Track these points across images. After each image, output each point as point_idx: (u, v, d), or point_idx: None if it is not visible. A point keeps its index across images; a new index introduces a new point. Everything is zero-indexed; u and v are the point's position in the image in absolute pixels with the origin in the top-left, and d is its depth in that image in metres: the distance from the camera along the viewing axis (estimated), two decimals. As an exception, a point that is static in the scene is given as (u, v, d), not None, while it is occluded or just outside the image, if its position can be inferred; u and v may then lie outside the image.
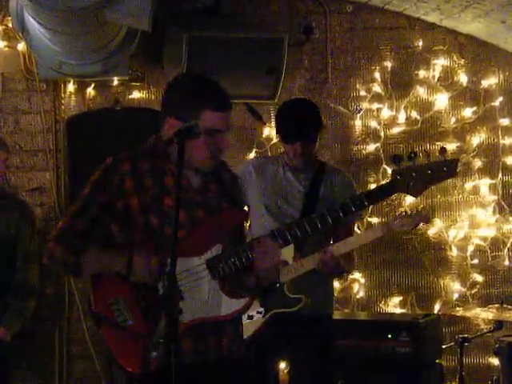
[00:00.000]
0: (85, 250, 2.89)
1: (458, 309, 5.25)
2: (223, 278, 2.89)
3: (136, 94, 5.51)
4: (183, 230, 2.83)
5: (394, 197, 5.66)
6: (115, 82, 5.43)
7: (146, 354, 2.74)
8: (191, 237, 2.87)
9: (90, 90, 5.46)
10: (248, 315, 3.77)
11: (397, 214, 3.88)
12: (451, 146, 5.67)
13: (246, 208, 3.80)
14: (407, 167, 2.98)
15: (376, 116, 5.70)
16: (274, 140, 5.51)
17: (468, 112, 5.71)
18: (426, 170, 2.98)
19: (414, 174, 2.97)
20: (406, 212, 3.82)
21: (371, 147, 5.69)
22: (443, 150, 3.02)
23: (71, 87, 5.44)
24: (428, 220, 3.92)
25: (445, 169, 2.98)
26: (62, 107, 5.45)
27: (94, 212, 2.90)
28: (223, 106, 2.89)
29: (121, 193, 2.88)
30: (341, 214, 3.03)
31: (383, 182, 3.18)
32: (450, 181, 5.67)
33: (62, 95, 5.45)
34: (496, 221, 5.67)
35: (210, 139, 2.87)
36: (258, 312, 3.84)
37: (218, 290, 2.89)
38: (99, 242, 2.91)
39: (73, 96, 5.46)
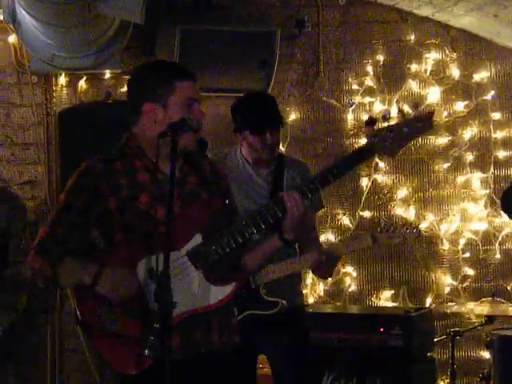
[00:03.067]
0: (61, 261, 2.88)
1: (450, 304, 5.27)
2: (208, 267, 2.88)
3: (128, 87, 5.49)
4: (161, 227, 2.80)
5: (385, 190, 5.67)
6: (107, 75, 5.42)
7: (139, 354, 2.72)
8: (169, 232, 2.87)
9: (82, 83, 5.44)
10: None
11: (382, 224, 3.83)
12: (443, 140, 5.68)
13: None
14: (383, 128, 2.93)
15: (368, 109, 5.70)
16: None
17: (460, 106, 5.72)
18: (402, 128, 2.91)
19: (390, 134, 2.91)
20: (393, 225, 3.77)
21: (363, 141, 5.66)
22: (415, 105, 2.99)
23: (63, 80, 5.42)
24: (418, 236, 3.87)
25: (419, 124, 2.92)
26: (54, 100, 5.44)
27: (73, 217, 2.89)
28: (190, 75, 2.93)
29: (97, 196, 2.87)
30: (309, 195, 2.90)
31: (358, 146, 3.08)
32: (442, 174, 5.70)
33: (54, 88, 5.43)
34: (487, 215, 5.69)
35: (189, 110, 2.88)
36: None
37: (203, 279, 2.87)
38: (80, 249, 2.89)
39: (64, 89, 5.45)
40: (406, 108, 5.69)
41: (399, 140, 2.92)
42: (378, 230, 3.75)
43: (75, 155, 4.97)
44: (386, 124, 2.95)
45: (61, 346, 5.42)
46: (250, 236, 2.90)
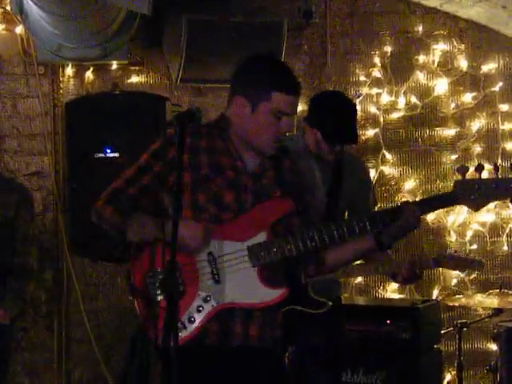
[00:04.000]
0: (133, 213, 2.88)
1: (457, 296, 5.26)
2: (263, 266, 2.88)
3: (135, 78, 5.49)
4: (230, 213, 2.85)
5: (393, 182, 5.67)
6: (114, 66, 5.41)
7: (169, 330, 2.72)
8: (237, 221, 2.87)
9: (89, 74, 5.44)
10: None
11: (451, 251, 3.80)
12: (450, 132, 5.66)
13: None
14: (472, 180, 2.86)
15: (375, 101, 5.69)
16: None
17: (468, 97, 5.70)
18: (492, 185, 2.85)
19: (477, 188, 2.85)
20: (459, 255, 3.75)
21: (370, 132, 5.68)
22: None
23: (70, 71, 5.42)
24: (481, 268, 3.85)
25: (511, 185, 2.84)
26: (61, 91, 5.44)
27: (147, 181, 2.92)
28: (293, 90, 2.92)
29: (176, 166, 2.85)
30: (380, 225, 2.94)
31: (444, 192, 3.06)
32: (449, 166, 5.69)
33: (61, 79, 5.43)
34: (495, 206, 5.66)
35: (276, 121, 2.88)
36: None
37: (255, 277, 2.86)
38: (148, 210, 2.90)
39: (71, 80, 5.45)
40: (414, 99, 5.68)
41: (485, 196, 2.86)
42: (443, 256, 3.74)
43: (82, 146, 4.99)
44: (477, 175, 2.87)
45: (67, 336, 5.43)
46: (315, 247, 2.90)
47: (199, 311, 2.81)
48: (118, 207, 2.91)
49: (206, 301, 2.82)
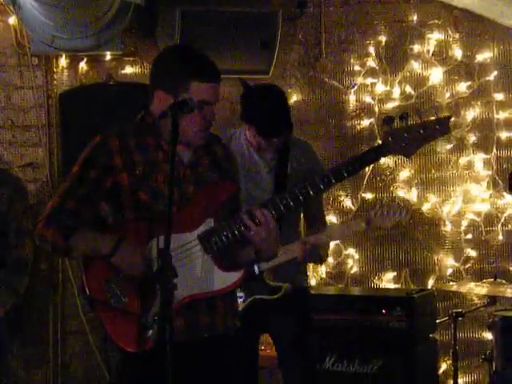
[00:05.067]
0: (74, 232, 2.87)
1: (451, 283, 5.27)
2: (217, 252, 2.87)
3: (129, 69, 5.48)
4: (174, 207, 2.79)
5: (388, 172, 5.66)
6: (108, 57, 5.39)
7: (142, 333, 2.72)
8: (182, 212, 2.86)
9: (83, 65, 5.42)
10: None
11: (377, 208, 3.82)
12: (445, 121, 5.65)
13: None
14: (399, 128, 2.93)
15: (370, 91, 5.68)
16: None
17: (462, 87, 5.69)
18: (419, 129, 2.92)
19: (406, 135, 2.92)
20: (385, 206, 3.77)
21: (365, 122, 5.67)
22: (435, 109, 3.00)
23: (63, 62, 5.40)
24: (408, 217, 3.86)
25: (437, 126, 2.93)
26: (55, 82, 5.42)
27: (84, 190, 2.89)
28: (211, 78, 2.88)
29: (110, 170, 2.86)
30: (322, 187, 2.92)
31: (374, 145, 3.12)
32: (444, 156, 5.69)
33: (55, 70, 5.41)
34: (490, 196, 5.67)
35: (199, 112, 2.85)
36: (238, 297, 3.83)
37: (211, 264, 2.86)
38: (90, 222, 2.88)
39: (65, 71, 5.43)
40: (409, 89, 5.67)
41: (415, 142, 2.93)
42: (372, 213, 3.74)
43: (76, 137, 4.97)
44: (403, 124, 2.95)
45: (63, 328, 5.43)
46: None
47: None
48: (59, 228, 2.88)
49: None
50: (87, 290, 2.86)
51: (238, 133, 4.04)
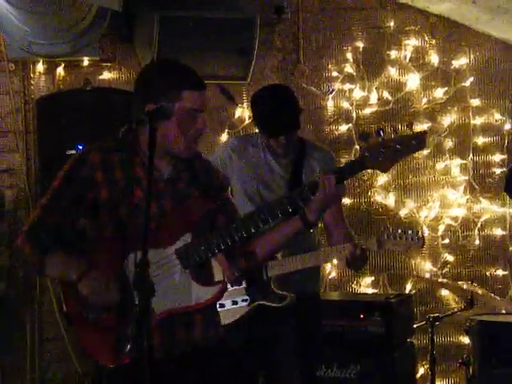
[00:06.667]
0: (50, 251, 2.86)
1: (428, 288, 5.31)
2: (195, 267, 2.87)
3: (106, 75, 5.46)
4: (153, 222, 2.78)
5: (365, 177, 5.69)
6: (85, 63, 5.37)
7: (120, 348, 2.71)
8: (160, 228, 2.85)
9: (60, 71, 5.39)
10: (232, 301, 3.76)
11: (391, 231, 3.76)
12: (422, 127, 5.69)
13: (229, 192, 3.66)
14: (375, 143, 2.94)
15: (348, 96, 5.71)
16: (247, 121, 5.50)
17: (439, 92, 5.74)
18: (395, 145, 2.93)
19: (382, 150, 2.93)
20: (400, 231, 3.72)
21: (343, 128, 5.70)
22: (410, 124, 3.01)
23: (40, 67, 5.37)
24: (422, 245, 3.83)
25: (413, 142, 2.94)
26: (32, 88, 5.38)
27: (64, 205, 2.87)
28: (200, 85, 2.89)
29: (90, 185, 2.85)
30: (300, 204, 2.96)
31: (351, 159, 3.13)
32: (421, 161, 5.73)
33: (32, 75, 5.38)
34: (467, 201, 5.72)
35: (191, 120, 2.85)
36: (243, 300, 3.81)
37: (188, 279, 2.85)
38: (69, 238, 2.87)
39: (42, 76, 5.40)
40: (386, 95, 5.70)
41: (391, 156, 2.93)
42: (385, 235, 3.69)
43: (54, 143, 4.95)
44: (379, 139, 2.95)
45: (41, 336, 5.39)
46: (236, 238, 2.87)
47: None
48: (36, 245, 2.88)
49: None
50: (64, 307, 2.86)
51: (256, 135, 4.02)
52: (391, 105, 5.72)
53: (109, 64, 5.45)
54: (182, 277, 2.84)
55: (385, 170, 3.01)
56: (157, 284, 2.60)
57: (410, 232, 3.60)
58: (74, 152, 4.84)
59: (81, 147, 4.85)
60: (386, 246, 3.66)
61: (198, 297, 2.85)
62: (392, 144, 2.93)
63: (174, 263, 2.84)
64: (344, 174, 3.03)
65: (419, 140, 2.95)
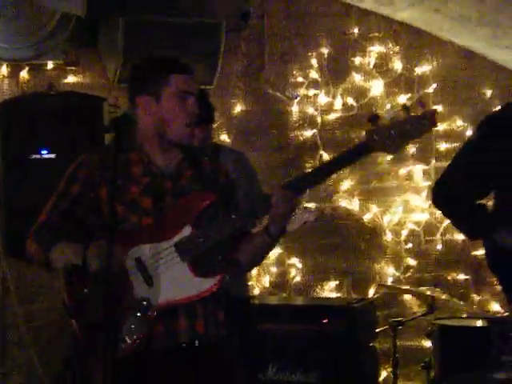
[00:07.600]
0: (53, 246, 2.92)
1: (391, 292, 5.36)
2: (193, 259, 2.90)
3: (71, 78, 5.43)
4: (149, 218, 2.88)
5: (329, 182, 5.72)
6: (50, 66, 5.34)
7: (114, 346, 2.74)
8: (160, 222, 2.90)
9: (24, 74, 5.35)
10: None
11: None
12: (386, 132, 5.74)
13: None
14: (385, 125, 2.83)
15: (313, 102, 5.74)
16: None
17: (402, 99, 5.80)
18: (406, 125, 2.83)
19: (392, 132, 2.83)
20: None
21: (308, 133, 5.73)
22: (422, 103, 2.92)
23: (4, 70, 5.33)
24: (315, 218, 3.82)
25: (423, 121, 2.83)
26: (-5, 91, 5.35)
27: (67, 205, 2.97)
28: (188, 70, 2.97)
29: (91, 185, 2.95)
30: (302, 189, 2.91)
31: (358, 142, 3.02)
32: (384, 167, 5.78)
33: (-5, 78, 5.35)
34: (429, 206, 5.76)
35: (182, 103, 2.92)
36: None
37: (187, 271, 2.88)
38: (74, 235, 2.93)
39: (6, 80, 5.35)
40: (350, 101, 5.75)
41: (401, 138, 2.84)
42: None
43: (17, 147, 4.92)
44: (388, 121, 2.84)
45: (3, 339, 5.35)
46: (235, 228, 2.90)
47: (137, 318, 2.82)
48: (42, 243, 2.96)
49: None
50: (67, 301, 2.90)
51: None
52: (356, 111, 5.76)
53: (73, 68, 5.42)
54: (181, 269, 2.88)
55: (393, 152, 2.90)
56: (157, 277, 2.76)
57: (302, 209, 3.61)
58: (37, 156, 4.84)
59: (44, 151, 4.84)
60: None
61: (194, 288, 2.88)
62: (402, 125, 2.83)
63: (174, 256, 2.88)
64: (350, 160, 2.93)
65: (430, 118, 2.85)
